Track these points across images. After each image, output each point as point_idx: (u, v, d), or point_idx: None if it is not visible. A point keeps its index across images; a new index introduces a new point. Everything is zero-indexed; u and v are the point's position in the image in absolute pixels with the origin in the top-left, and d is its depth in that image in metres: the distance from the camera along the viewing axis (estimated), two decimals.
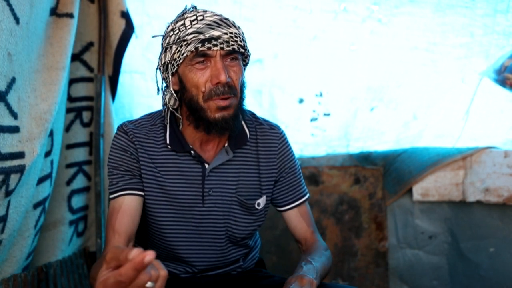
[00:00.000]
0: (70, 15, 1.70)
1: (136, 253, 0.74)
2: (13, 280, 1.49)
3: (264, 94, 2.44)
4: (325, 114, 2.47)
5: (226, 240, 1.39)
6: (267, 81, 2.41)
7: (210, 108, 1.24)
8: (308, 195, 1.50)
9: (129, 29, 2.04)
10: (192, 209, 1.35)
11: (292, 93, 2.45)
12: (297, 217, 1.47)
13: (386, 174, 2.50)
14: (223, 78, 1.21)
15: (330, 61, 2.35)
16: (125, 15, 2.03)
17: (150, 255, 0.74)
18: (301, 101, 2.45)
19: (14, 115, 1.37)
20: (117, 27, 2.03)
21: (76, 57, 1.99)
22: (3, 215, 1.36)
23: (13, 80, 1.35)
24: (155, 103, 2.37)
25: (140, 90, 2.40)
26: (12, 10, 1.32)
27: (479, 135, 2.34)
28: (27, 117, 1.44)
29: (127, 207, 1.28)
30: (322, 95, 2.43)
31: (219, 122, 1.25)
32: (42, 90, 1.55)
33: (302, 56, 2.35)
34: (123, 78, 2.25)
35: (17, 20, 1.35)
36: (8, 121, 1.34)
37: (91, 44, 2.04)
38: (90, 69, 2.05)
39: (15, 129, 1.38)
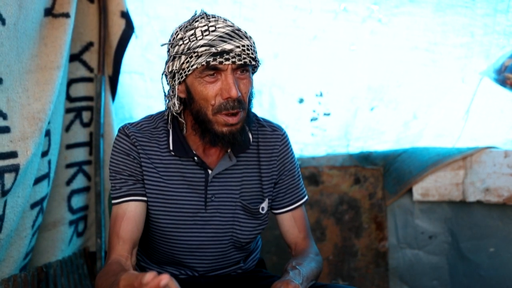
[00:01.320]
0: (66, 15, 1.69)
1: (150, 277, 0.74)
2: (13, 280, 1.50)
3: (264, 94, 2.44)
4: (325, 114, 2.47)
5: (230, 245, 1.39)
6: (267, 81, 2.40)
7: (218, 122, 1.23)
8: (305, 198, 1.47)
9: (129, 29, 2.04)
10: (194, 215, 1.34)
11: (292, 93, 2.44)
12: (290, 221, 1.45)
13: (386, 174, 2.50)
14: (234, 93, 1.19)
15: (330, 61, 2.34)
16: (125, 15, 2.03)
17: (165, 278, 0.74)
18: (301, 101, 2.45)
19: (3, 116, 1.38)
20: (117, 27, 2.03)
21: (75, 57, 1.99)
22: (0, 215, 1.37)
23: None
24: (154, 104, 2.37)
25: (139, 91, 2.40)
26: None
27: (479, 135, 2.34)
28: (18, 117, 1.44)
29: (131, 214, 1.27)
30: (322, 95, 2.43)
31: (226, 136, 1.24)
32: (35, 90, 1.54)
33: (302, 56, 2.34)
34: (122, 78, 2.24)
35: (2, 21, 1.35)
36: None
37: (91, 44, 2.04)
38: (90, 69, 2.06)
39: (5, 129, 1.38)
